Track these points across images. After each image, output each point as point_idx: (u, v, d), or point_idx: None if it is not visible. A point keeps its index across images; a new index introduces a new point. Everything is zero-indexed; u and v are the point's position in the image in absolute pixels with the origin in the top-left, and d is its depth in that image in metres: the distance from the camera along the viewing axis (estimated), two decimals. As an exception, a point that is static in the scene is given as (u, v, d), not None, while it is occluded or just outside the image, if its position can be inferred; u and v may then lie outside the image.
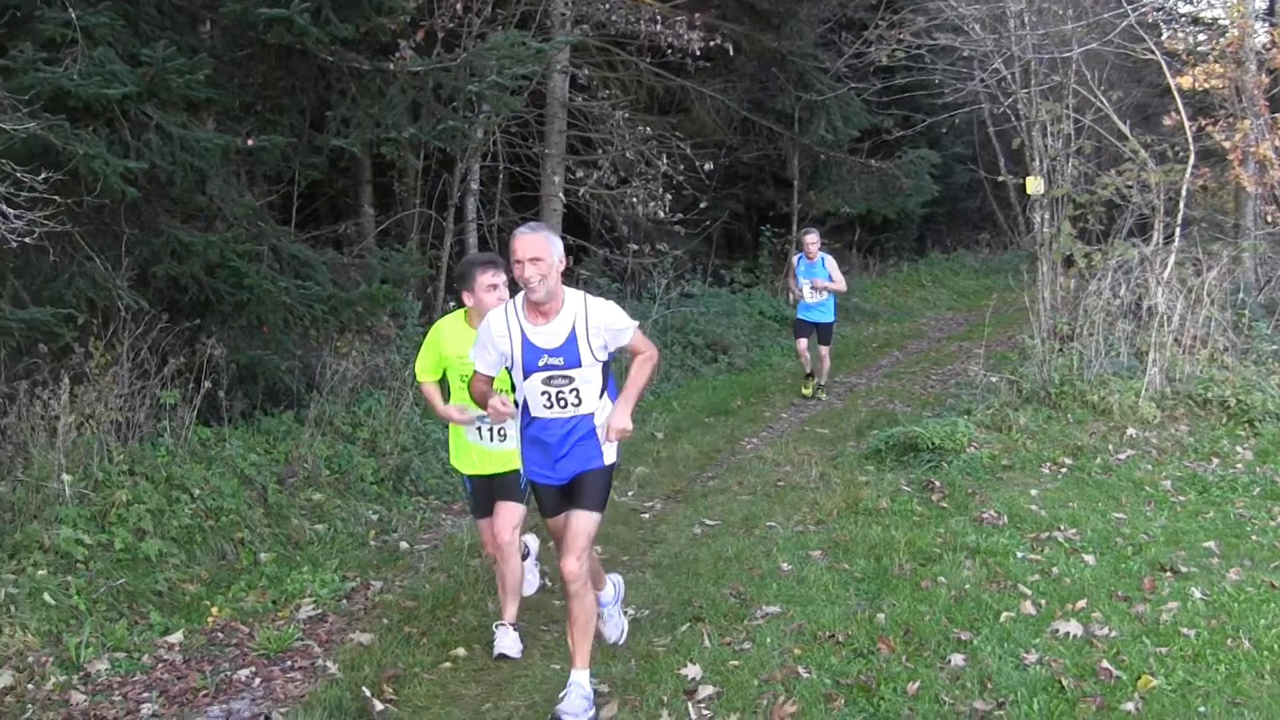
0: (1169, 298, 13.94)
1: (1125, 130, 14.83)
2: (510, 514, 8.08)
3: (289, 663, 7.91)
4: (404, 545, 10.61)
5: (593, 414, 7.14)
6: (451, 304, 18.31)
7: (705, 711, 6.64)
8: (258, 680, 7.62)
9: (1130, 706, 6.40)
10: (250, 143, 12.03)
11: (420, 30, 16.13)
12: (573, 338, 6.95)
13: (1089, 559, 8.97)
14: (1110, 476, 11.49)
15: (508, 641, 7.86)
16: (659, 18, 20.26)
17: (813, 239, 17.31)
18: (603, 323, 7.02)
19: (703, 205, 22.88)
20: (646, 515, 11.31)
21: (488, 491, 8.26)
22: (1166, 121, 17.03)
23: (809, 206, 28.65)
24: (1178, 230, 14.49)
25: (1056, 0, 15.58)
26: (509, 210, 20.98)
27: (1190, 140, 14.72)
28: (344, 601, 9.11)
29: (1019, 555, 9.10)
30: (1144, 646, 7.24)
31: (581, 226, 23.16)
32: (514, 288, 7.42)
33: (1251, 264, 17.29)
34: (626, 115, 21.08)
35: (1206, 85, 17.38)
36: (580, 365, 6.96)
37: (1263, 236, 17.43)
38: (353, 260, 14.33)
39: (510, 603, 8.03)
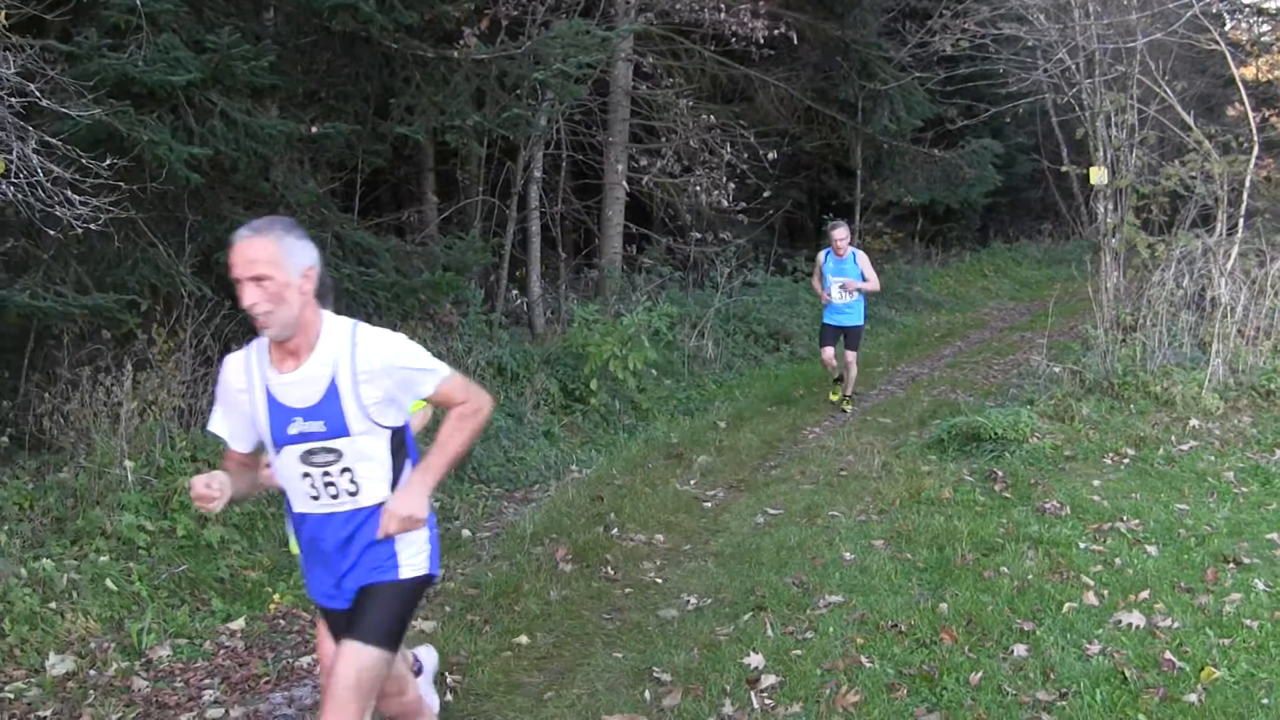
0: (1232, 289, 13.83)
1: (1189, 121, 14.69)
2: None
3: (351, 649, 7.91)
4: (466, 533, 10.62)
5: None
6: (514, 291, 18.36)
7: (768, 701, 6.62)
8: (319, 668, 7.63)
9: (1193, 698, 6.34)
10: (314, 130, 12.06)
11: (484, 18, 16.15)
12: (333, 391, 4.93)
13: (1151, 550, 8.89)
14: (1173, 467, 11.38)
15: None
16: (723, 6, 20.24)
17: (841, 234, 15.58)
18: (380, 364, 4.98)
19: (765, 194, 22.88)
20: (709, 504, 11.27)
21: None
22: (1230, 112, 16.99)
23: (871, 196, 28.59)
24: (1241, 221, 14.35)
25: (1121, -10, 15.50)
26: (572, 198, 20.99)
27: (1254, 131, 14.57)
28: (406, 589, 9.11)
29: (1081, 546, 9.03)
30: (1207, 638, 7.16)
31: (644, 215, 23.17)
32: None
33: (1316, 255, 17.13)
34: (690, 104, 21.07)
35: (1270, 76, 17.26)
36: (348, 433, 4.93)
37: (1327, 227, 17.25)
38: (415, 248, 14.35)
39: None
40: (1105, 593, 8.00)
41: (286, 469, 5.00)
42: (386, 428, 5.05)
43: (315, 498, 5.00)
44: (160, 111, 10.56)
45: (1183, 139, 14.95)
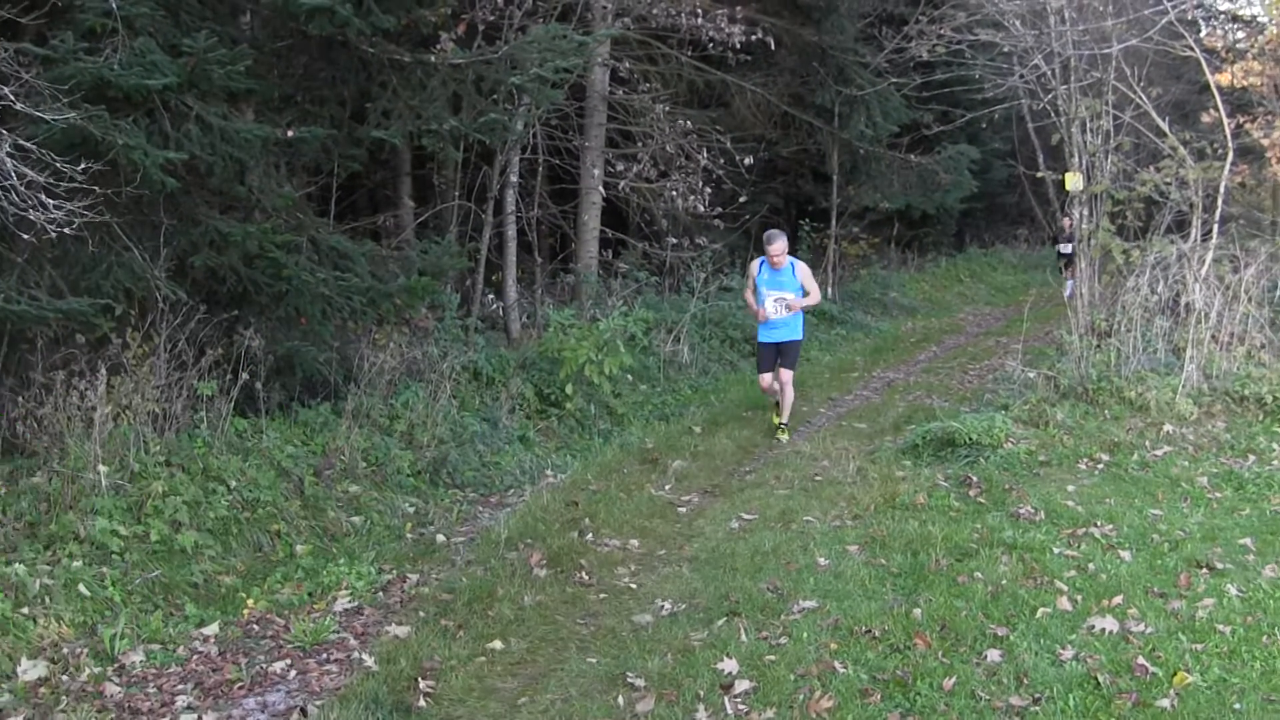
0: (1207, 294, 13.90)
1: (1164, 127, 14.76)
2: None
3: (325, 655, 7.91)
4: (440, 538, 10.61)
5: None
6: (490, 296, 18.38)
7: (742, 706, 6.63)
8: (293, 673, 7.63)
9: (1166, 703, 6.38)
10: (290, 134, 12.05)
11: (461, 23, 16.12)
12: None
13: (1125, 555, 8.94)
14: (1147, 473, 11.46)
15: None
16: (700, 11, 20.27)
17: (778, 247, 13.96)
18: None
19: (742, 199, 22.92)
20: (683, 509, 11.29)
21: None
22: (1205, 118, 17.00)
23: (848, 201, 28.66)
24: (1216, 227, 14.43)
25: (1097, -4, 15.55)
26: (548, 203, 21.03)
27: (1229, 137, 14.64)
28: (380, 594, 9.12)
29: (1055, 551, 9.08)
30: (1180, 643, 7.21)
31: (620, 220, 23.22)
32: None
33: (1289, 261, 17.20)
34: (667, 109, 21.10)
35: (1245, 82, 17.31)
36: None
37: (1302, 233, 17.34)
38: (391, 252, 14.35)
39: None
40: (1079, 598, 8.04)
41: None
42: None
43: None
44: (136, 115, 10.53)
45: (1158, 145, 15.02)
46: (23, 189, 8.83)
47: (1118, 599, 7.96)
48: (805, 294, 14.28)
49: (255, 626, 8.47)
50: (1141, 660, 6.91)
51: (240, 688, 7.41)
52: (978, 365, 19.88)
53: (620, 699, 6.82)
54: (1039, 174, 22.55)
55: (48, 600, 8.09)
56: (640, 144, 21.41)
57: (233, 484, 10.24)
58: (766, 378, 14.77)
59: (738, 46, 20.76)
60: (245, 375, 11.02)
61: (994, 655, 7.13)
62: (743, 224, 24.58)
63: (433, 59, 13.21)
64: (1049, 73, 15.68)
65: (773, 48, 22.12)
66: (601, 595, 8.79)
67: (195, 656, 7.90)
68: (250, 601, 8.81)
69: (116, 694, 7.26)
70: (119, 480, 9.53)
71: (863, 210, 29.59)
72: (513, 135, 16.95)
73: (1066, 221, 29.69)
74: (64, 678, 7.42)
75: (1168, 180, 14.44)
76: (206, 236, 11.28)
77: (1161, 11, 14.72)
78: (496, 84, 13.42)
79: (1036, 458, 11.93)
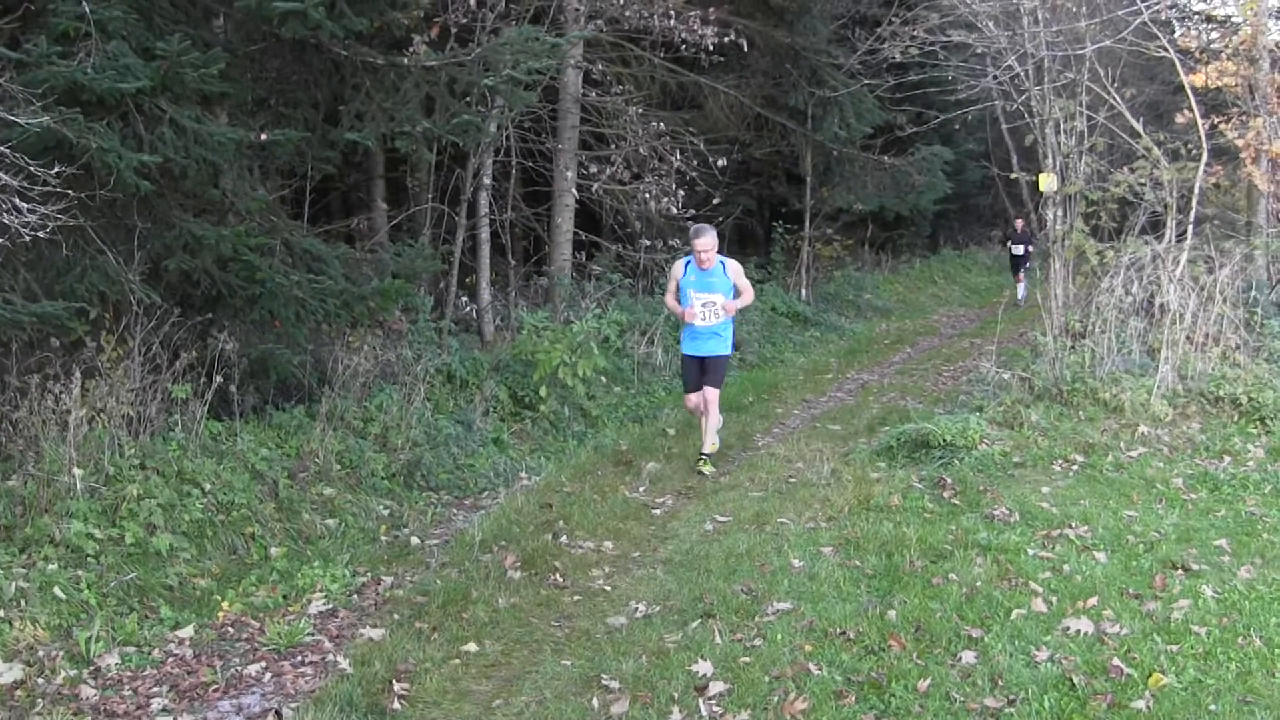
0: (1181, 295, 13.92)
1: (1138, 128, 14.79)
2: None
3: (300, 658, 7.91)
4: (415, 540, 10.61)
5: None
6: (464, 298, 18.38)
7: (716, 708, 6.64)
8: (268, 675, 7.63)
9: (1141, 704, 6.40)
10: (264, 137, 12.04)
11: (434, 25, 16.15)
12: None
13: (1100, 556, 8.96)
14: (1122, 474, 11.48)
15: None
16: (672, 13, 20.28)
17: (705, 242, 12.51)
18: None
19: (715, 201, 22.96)
20: (658, 511, 11.30)
21: None
22: (1179, 119, 17.10)
23: (821, 203, 28.75)
24: (1190, 228, 14.44)
25: (1070, -3, 15.58)
26: (521, 205, 21.01)
27: (1203, 138, 14.67)
28: (355, 597, 9.12)
29: (1030, 552, 9.10)
30: (1155, 644, 7.23)
31: (594, 222, 23.22)
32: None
33: (1264, 262, 17.22)
34: (640, 111, 21.12)
35: (1219, 83, 17.38)
36: None
37: (1275, 234, 17.38)
38: (365, 255, 14.34)
39: None
40: (1054, 599, 8.06)
41: None
42: None
43: None
44: (109, 119, 10.51)
45: (1132, 146, 15.05)
46: (-4, 193, 8.82)
47: (1093, 600, 7.99)
48: (737, 294, 12.89)
49: (230, 629, 8.46)
50: (1117, 661, 6.93)
51: (215, 690, 7.40)
52: (952, 367, 19.94)
53: (595, 701, 6.83)
54: (1013, 175, 22.58)
55: (23, 603, 8.08)
56: (613, 146, 21.44)
57: (207, 487, 10.23)
58: (693, 398, 13.19)
59: (710, 48, 20.78)
60: (219, 378, 11.01)
61: (969, 657, 7.15)
62: (716, 226, 24.59)
63: (405, 61, 13.20)
64: (1022, 74, 15.70)
65: (745, 49, 22.15)
66: (576, 597, 8.79)
67: (170, 659, 7.89)
68: (225, 604, 8.79)
69: (92, 697, 7.25)
70: (94, 483, 9.51)
71: (836, 212, 29.67)
72: (486, 137, 16.95)
73: (1019, 222, 29.83)
74: (40, 680, 7.41)
75: (1142, 181, 14.47)
76: (180, 240, 11.26)
77: (1135, 12, 14.76)
78: (469, 86, 13.41)
79: (1011, 459, 11.95)
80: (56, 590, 8.32)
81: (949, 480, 11.20)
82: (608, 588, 8.98)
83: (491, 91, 13.96)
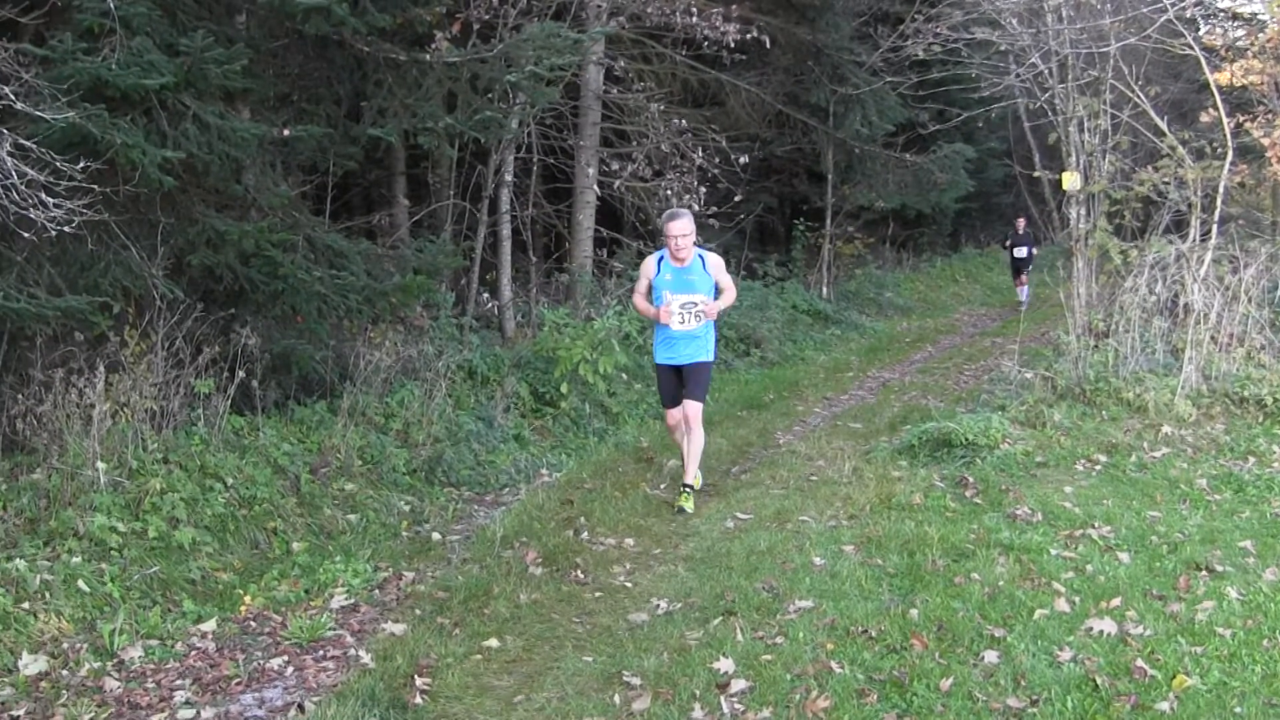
0: (1206, 295, 13.87)
1: (1163, 126, 14.74)
2: None
3: (321, 652, 7.92)
4: (436, 536, 10.62)
5: None
6: (485, 294, 18.39)
7: (738, 706, 6.63)
8: (290, 669, 7.64)
9: (1165, 706, 6.36)
10: (286, 133, 12.06)
11: (456, 21, 16.18)
12: None
13: (1123, 557, 8.92)
14: (1145, 474, 11.43)
15: None
16: (694, 10, 20.27)
17: (680, 227, 11.05)
18: None
19: (737, 199, 22.90)
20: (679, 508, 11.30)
21: None
22: (1204, 117, 17.02)
23: (843, 201, 28.73)
24: (1215, 227, 14.39)
25: (1094, -5, 15.53)
26: (543, 202, 21.03)
27: (1228, 136, 14.62)
28: (376, 592, 9.13)
29: (1053, 552, 9.05)
30: (1179, 646, 7.19)
31: (615, 219, 23.22)
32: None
33: (1289, 261, 17.19)
34: (661, 107, 21.10)
35: (1245, 81, 17.29)
36: None
37: (1301, 233, 17.34)
38: (387, 251, 14.34)
39: None
40: (1077, 599, 8.01)
41: None
42: None
43: None
44: (134, 114, 10.54)
45: (1156, 144, 15.01)
46: (23, 188, 8.84)
47: (1116, 601, 7.94)
48: (719, 292, 11.42)
49: (252, 623, 8.48)
50: (1140, 663, 6.89)
51: (238, 684, 7.41)
52: (973, 365, 19.90)
53: (616, 697, 6.82)
54: (1035, 173, 22.53)
55: (48, 595, 8.11)
56: (635, 143, 21.43)
57: (230, 481, 10.25)
58: (675, 414, 11.64)
59: (732, 45, 20.77)
60: (242, 373, 11.03)
61: (991, 656, 7.12)
62: (737, 223, 24.61)
63: (428, 57, 13.22)
64: (1046, 71, 15.68)
65: (768, 46, 22.13)
66: (597, 594, 8.79)
67: (193, 652, 7.91)
68: (247, 598, 8.82)
69: (116, 689, 7.27)
70: (117, 477, 9.54)
71: (858, 210, 29.65)
72: (508, 134, 16.97)
73: (1021, 221, 29.13)
74: (64, 672, 7.44)
75: (1166, 180, 14.42)
76: (203, 235, 11.30)
77: (1160, 9, 14.71)
78: (492, 82, 13.42)
79: (1033, 459, 11.91)
80: (80, 583, 8.35)
81: (971, 479, 11.17)
82: (629, 584, 8.97)
83: (514, 88, 13.98)
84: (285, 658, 7.80)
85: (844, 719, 6.39)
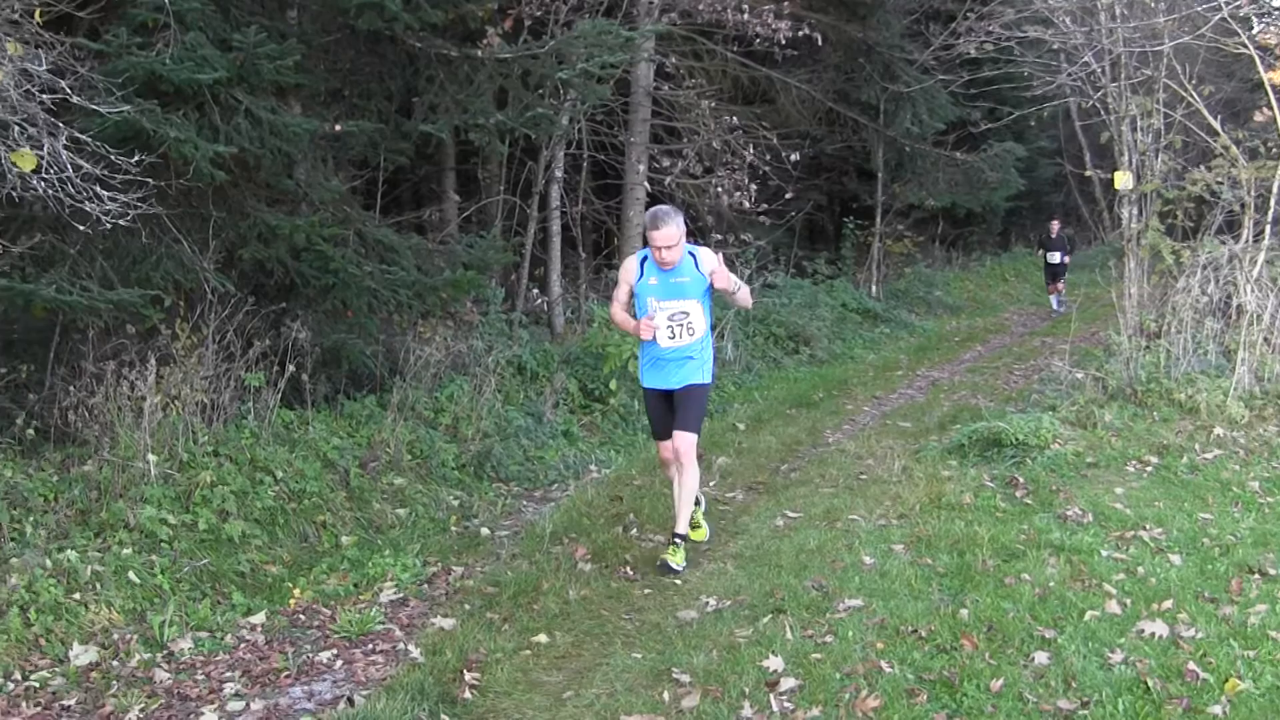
0: (1259, 296, 13.76)
1: (1216, 125, 14.63)
2: None
3: (370, 646, 7.93)
4: (485, 531, 10.64)
5: None
6: (534, 290, 18.41)
7: (788, 704, 6.60)
8: (339, 662, 7.65)
9: (1218, 710, 6.30)
10: (338, 128, 12.10)
11: (508, 18, 16.19)
12: None
13: (1175, 559, 8.85)
14: (1197, 476, 11.33)
15: None
16: (746, 7, 20.23)
17: (666, 234, 8.95)
18: None
19: (787, 196, 22.85)
20: (728, 506, 11.28)
21: None
22: (1258, 117, 16.93)
23: (893, 199, 28.65)
24: (1268, 227, 14.26)
25: (1147, -7, 15.44)
26: (592, 198, 21.02)
27: (1282, 136, 14.53)
28: (425, 586, 9.15)
29: (1104, 554, 8.99)
30: (1231, 649, 7.12)
31: (664, 215, 23.16)
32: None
33: (1343, 263, 17.06)
34: (712, 104, 21.07)
35: (1300, 80, 17.17)
36: None
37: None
38: (437, 246, 14.38)
39: None
40: (1128, 601, 7.95)
41: None
42: None
43: None
44: (186, 109, 10.61)
45: (1209, 144, 14.89)
46: (78, 181, 8.89)
47: (1167, 603, 7.88)
48: (735, 290, 9.32)
49: (301, 616, 8.51)
50: (1192, 666, 6.83)
51: (287, 676, 7.44)
52: (1023, 365, 19.82)
53: (665, 694, 6.81)
54: (1086, 172, 22.44)
55: (98, 586, 8.15)
56: (685, 140, 21.42)
57: (279, 474, 10.30)
58: (667, 447, 9.62)
59: (783, 42, 20.73)
60: (292, 367, 11.07)
61: (1042, 657, 7.07)
62: (787, 221, 24.56)
63: (479, 54, 13.26)
64: (1098, 70, 15.58)
65: (819, 44, 22.07)
66: (646, 590, 8.78)
67: (242, 645, 7.95)
68: (297, 591, 8.85)
69: (166, 680, 7.31)
70: (168, 469, 9.59)
71: (907, 208, 29.57)
72: (558, 130, 17.00)
73: (1055, 224, 28.00)
74: (114, 663, 7.49)
75: (1219, 180, 14.31)
76: (254, 229, 11.35)
77: (1214, 8, 14.59)
78: (543, 79, 13.45)
79: (1084, 459, 11.83)
80: (131, 574, 8.40)
81: (1021, 479, 11.11)
82: (678, 581, 8.95)
83: (564, 84, 14.00)
84: (334, 651, 7.82)
85: (894, 719, 6.36)
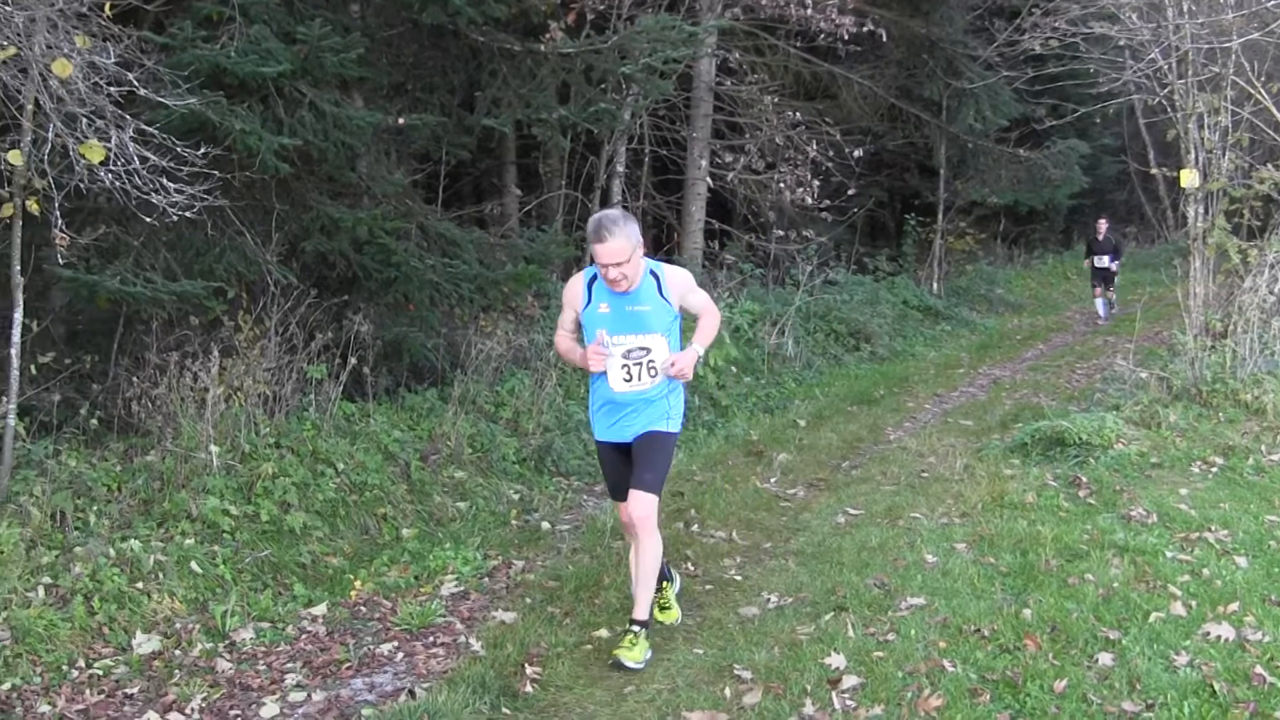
0: (1328, 296, 13.65)
1: (1285, 123, 14.52)
2: None
3: (431, 638, 7.94)
4: (546, 525, 10.64)
5: None
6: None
7: (849, 702, 6.57)
8: (400, 655, 7.67)
9: (1285, 713, 6.26)
10: (401, 121, 12.12)
11: (571, 12, 16.19)
12: None
13: (1241, 561, 8.76)
14: (1263, 478, 11.20)
15: None
16: (809, 2, 20.16)
17: (612, 247, 7.07)
18: None
19: (850, 192, 22.80)
20: (789, 503, 11.25)
21: None
22: (1328, 115, 16.70)
23: (955, 196, 28.51)
24: (1337, 227, 14.17)
25: (1216, -10, 15.30)
26: (654, 194, 21.02)
27: (1352, 134, 14.39)
28: (486, 580, 9.16)
29: (1168, 555, 8.90)
30: (1300, 653, 7.07)
31: (725, 211, 23.17)
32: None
33: None
34: (774, 100, 21.03)
35: (1370, 78, 17.00)
36: None
37: None
38: (498, 240, 14.40)
39: None
40: (1193, 603, 7.87)
41: None
42: None
43: None
44: (251, 101, 10.65)
45: (1277, 141, 14.77)
46: (145, 173, 8.94)
47: (1234, 606, 7.79)
48: (699, 317, 7.81)
49: (363, 608, 8.54)
50: (1259, 669, 6.75)
51: (348, 668, 7.46)
52: (1086, 364, 19.69)
53: (727, 690, 6.79)
54: (1151, 170, 22.27)
55: (161, 576, 8.20)
56: (747, 135, 21.38)
57: (340, 467, 10.33)
58: (626, 509, 7.53)
59: (846, 37, 20.68)
60: (354, 360, 11.10)
61: (1106, 659, 7.01)
62: (849, 217, 24.50)
63: (542, 48, 13.26)
64: (1165, 67, 15.45)
65: (883, 40, 22.00)
66: (708, 587, 8.77)
67: (304, 636, 7.99)
68: (358, 583, 8.88)
69: (227, 670, 7.35)
70: (230, 460, 9.63)
71: (969, 205, 29.44)
72: (620, 125, 16.97)
73: (1103, 224, 26.51)
74: (177, 652, 7.53)
75: (1287, 178, 14.19)
76: (317, 222, 11.38)
77: (1283, 4, 14.49)
78: (605, 73, 13.45)
79: (1148, 459, 11.73)
80: (193, 565, 8.43)
81: (1084, 479, 11.03)
82: (739, 578, 8.94)
83: (627, 79, 13.98)
84: (395, 643, 7.84)
85: (956, 718, 6.32)
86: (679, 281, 7.55)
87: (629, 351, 7.44)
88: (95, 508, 8.72)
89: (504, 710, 6.65)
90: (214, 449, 9.51)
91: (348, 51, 11.06)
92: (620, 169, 19.35)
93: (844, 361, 19.90)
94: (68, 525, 8.49)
